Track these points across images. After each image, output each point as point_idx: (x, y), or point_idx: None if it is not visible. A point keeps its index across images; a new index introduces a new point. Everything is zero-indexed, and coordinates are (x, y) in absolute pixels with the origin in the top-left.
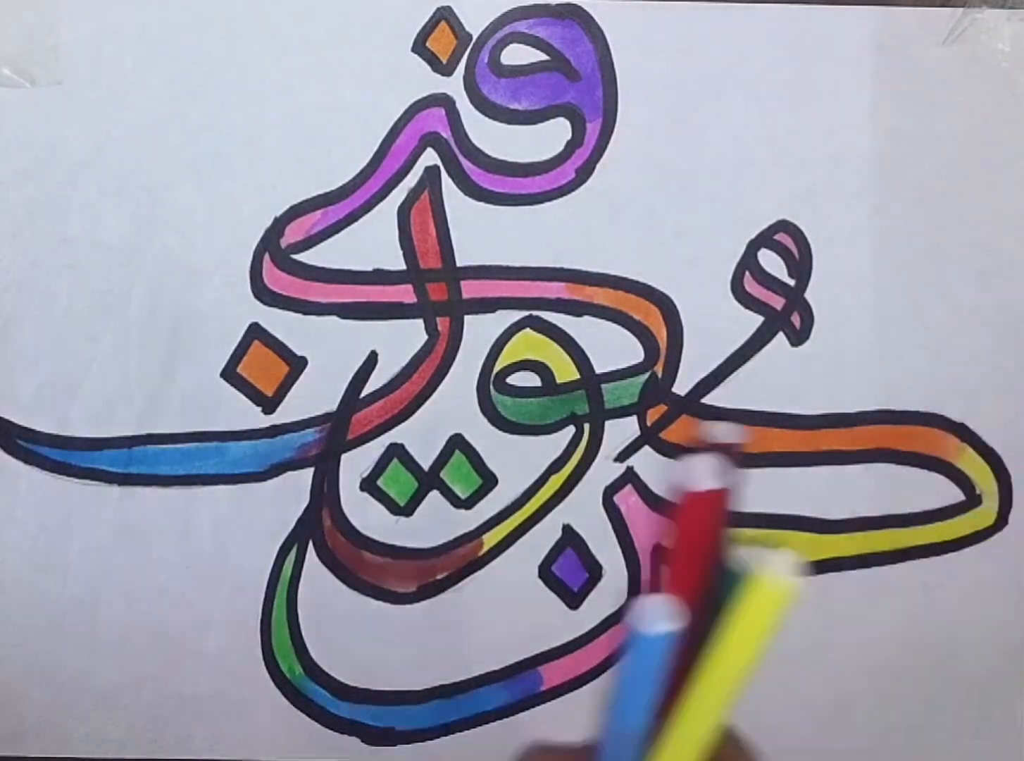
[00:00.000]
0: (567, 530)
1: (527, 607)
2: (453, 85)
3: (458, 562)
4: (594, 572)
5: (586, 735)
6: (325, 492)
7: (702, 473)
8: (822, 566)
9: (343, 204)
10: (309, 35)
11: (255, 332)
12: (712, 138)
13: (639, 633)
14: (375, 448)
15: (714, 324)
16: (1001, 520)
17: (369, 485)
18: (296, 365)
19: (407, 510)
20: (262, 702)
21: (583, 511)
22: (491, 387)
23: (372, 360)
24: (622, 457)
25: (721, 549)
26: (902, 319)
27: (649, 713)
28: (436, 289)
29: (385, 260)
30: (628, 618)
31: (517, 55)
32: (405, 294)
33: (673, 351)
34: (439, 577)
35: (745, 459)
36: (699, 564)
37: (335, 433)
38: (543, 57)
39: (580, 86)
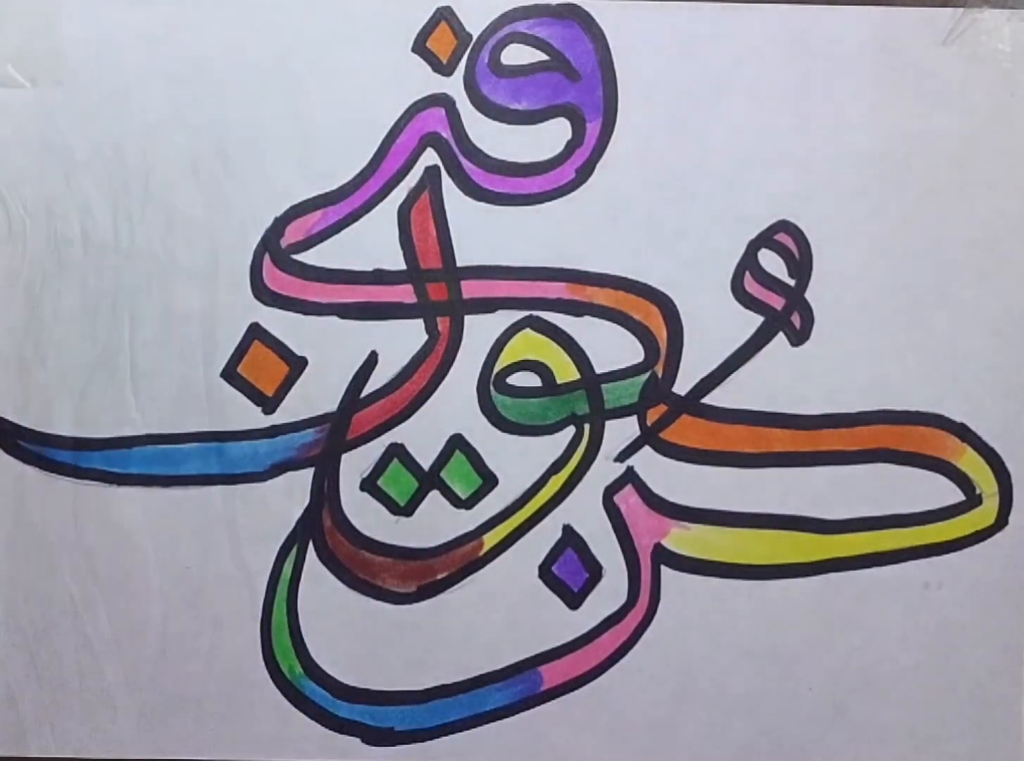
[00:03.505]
0: (567, 530)
1: (527, 607)
2: (453, 85)
3: (458, 562)
4: (594, 572)
5: (585, 735)
6: (325, 492)
7: None
8: (822, 566)
9: (343, 204)
10: (309, 35)
11: (255, 332)
12: (712, 138)
13: None
14: (375, 448)
15: (714, 324)
16: (1001, 520)
17: (369, 485)
18: (296, 365)
19: (407, 510)
20: (262, 702)
21: (583, 511)
22: (491, 387)
23: (372, 360)
24: (622, 457)
25: None
26: (902, 319)
27: None
28: (436, 289)
29: (385, 260)
30: None
31: (517, 55)
32: (405, 294)
33: (673, 351)
34: (439, 577)
35: (745, 459)
36: None
37: (335, 433)
38: (543, 57)
39: (580, 86)
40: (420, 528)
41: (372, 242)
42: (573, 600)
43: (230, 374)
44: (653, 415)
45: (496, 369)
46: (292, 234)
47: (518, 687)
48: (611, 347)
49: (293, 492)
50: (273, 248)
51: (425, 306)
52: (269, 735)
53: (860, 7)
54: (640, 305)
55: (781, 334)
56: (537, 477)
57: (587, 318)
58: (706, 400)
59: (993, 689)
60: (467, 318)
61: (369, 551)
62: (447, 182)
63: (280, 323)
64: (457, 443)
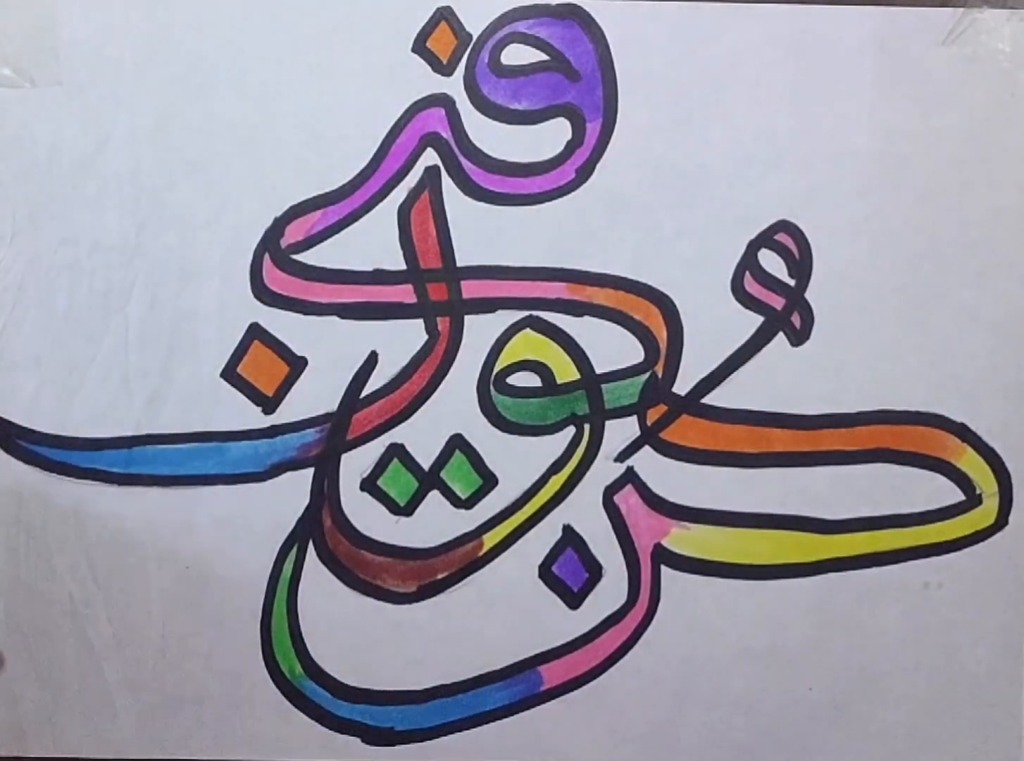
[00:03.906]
0: (567, 530)
1: (527, 607)
2: (453, 85)
3: (458, 562)
4: (594, 572)
5: (585, 735)
6: (325, 492)
7: None
8: (822, 566)
9: (343, 204)
10: (309, 35)
11: (255, 332)
12: (712, 138)
13: None
14: (375, 448)
15: (714, 324)
16: (1001, 520)
17: (369, 485)
18: (296, 365)
19: (407, 510)
20: (262, 702)
21: (583, 511)
22: (491, 387)
23: (372, 360)
24: (622, 457)
25: None
26: (902, 319)
27: None
28: (436, 289)
29: (385, 260)
30: None
31: (517, 55)
32: (405, 294)
33: (673, 351)
34: (439, 577)
35: (745, 459)
36: None
37: (335, 433)
38: (543, 57)
39: (580, 86)
40: (420, 528)
41: (372, 242)
42: (573, 600)
43: (230, 374)
44: (653, 415)
45: (496, 369)
46: (292, 234)
47: (518, 687)
48: (611, 347)
49: (293, 492)
50: (273, 248)
51: (425, 306)
52: (269, 735)
53: (860, 7)
54: (640, 305)
55: (781, 334)
56: (537, 477)
57: (587, 318)
58: (706, 400)
59: (993, 689)
60: (467, 318)
61: (369, 551)
62: (447, 182)
63: (280, 323)
64: (457, 443)
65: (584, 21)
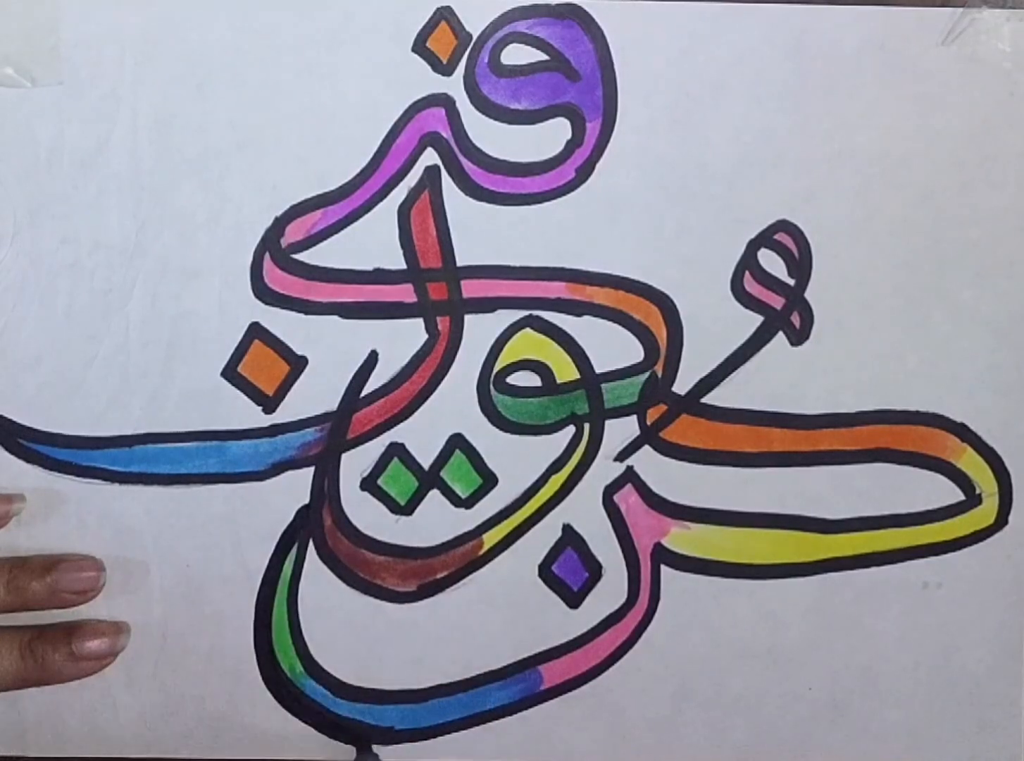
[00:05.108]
0: (567, 530)
1: (527, 607)
2: (453, 85)
3: (458, 561)
4: (594, 572)
5: (585, 734)
6: (325, 491)
7: None
8: (822, 566)
9: (343, 204)
10: (309, 35)
11: (255, 332)
12: (712, 138)
13: None
14: (375, 447)
15: (714, 324)
16: (1001, 520)
17: (369, 484)
18: (296, 364)
19: (407, 509)
20: (262, 701)
21: (583, 511)
22: (491, 387)
23: (372, 359)
24: (622, 457)
25: None
26: (901, 319)
27: None
28: (436, 289)
29: (385, 260)
30: None
31: (517, 55)
32: (405, 294)
33: (673, 351)
34: (439, 576)
35: (745, 459)
36: None
37: (335, 432)
38: (543, 57)
39: (580, 86)
40: (420, 527)
41: (372, 242)
42: (573, 599)
43: (231, 373)
44: (653, 415)
45: (496, 368)
46: (292, 233)
47: (518, 686)
48: (611, 347)
49: (293, 491)
50: (273, 247)
51: (425, 305)
52: (269, 734)
53: (860, 7)
54: (640, 305)
55: (781, 334)
56: (537, 477)
57: (587, 318)
58: (706, 400)
59: (993, 689)
60: (467, 318)
61: (369, 550)
62: (447, 182)
63: (280, 322)
64: (457, 443)
65: (584, 21)
